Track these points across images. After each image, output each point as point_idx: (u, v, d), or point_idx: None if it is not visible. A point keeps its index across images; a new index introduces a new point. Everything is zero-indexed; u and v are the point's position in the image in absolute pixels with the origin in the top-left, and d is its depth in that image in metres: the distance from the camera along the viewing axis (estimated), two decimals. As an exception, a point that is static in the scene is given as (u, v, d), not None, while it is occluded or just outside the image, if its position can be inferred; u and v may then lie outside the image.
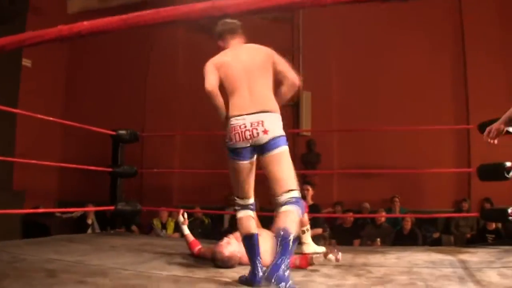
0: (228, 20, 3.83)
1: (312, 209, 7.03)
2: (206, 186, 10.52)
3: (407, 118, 9.69)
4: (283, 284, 2.92)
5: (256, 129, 3.35)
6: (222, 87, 3.54)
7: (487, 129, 3.47)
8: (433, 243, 8.58)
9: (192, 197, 10.71)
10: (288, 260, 3.05)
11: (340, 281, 3.42)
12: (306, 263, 4.06)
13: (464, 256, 4.61)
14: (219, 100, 3.48)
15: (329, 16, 9.99)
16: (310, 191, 7.19)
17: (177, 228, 9.68)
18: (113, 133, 6.97)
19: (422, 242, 8.45)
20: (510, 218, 5.48)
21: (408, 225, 8.65)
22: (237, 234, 4.28)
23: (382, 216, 9.00)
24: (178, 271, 3.74)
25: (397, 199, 9.86)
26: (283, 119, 3.49)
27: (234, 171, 3.48)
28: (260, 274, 3.34)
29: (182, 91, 11.50)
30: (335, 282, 3.41)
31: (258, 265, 3.43)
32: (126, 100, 12.06)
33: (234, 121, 3.39)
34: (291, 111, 10.36)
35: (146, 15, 2.09)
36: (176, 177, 11.59)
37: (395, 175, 9.55)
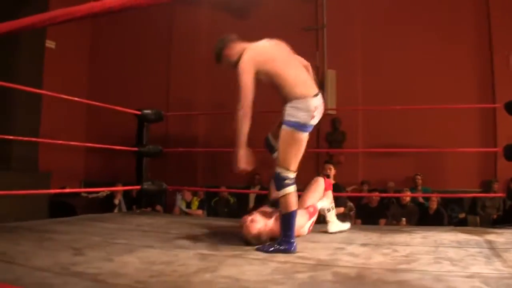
0: (223, 37, 4.05)
1: (334, 188, 7.01)
2: (231, 165, 10.54)
3: (433, 96, 9.60)
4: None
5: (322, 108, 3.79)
6: (273, 76, 3.77)
7: None
8: (459, 224, 8.54)
9: (217, 176, 10.74)
10: None
11: (366, 260, 3.40)
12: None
13: (490, 237, 4.56)
14: (249, 121, 3.69)
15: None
16: (333, 170, 7.23)
17: (201, 206, 9.77)
18: (138, 112, 6.98)
19: (447, 222, 8.41)
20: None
21: (433, 205, 8.61)
22: (263, 209, 4.32)
23: (408, 196, 8.96)
24: (204, 249, 3.75)
25: (419, 177, 9.83)
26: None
27: (300, 144, 3.74)
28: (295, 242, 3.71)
29: (205, 70, 11.49)
30: (361, 260, 3.39)
31: (293, 234, 3.74)
32: (150, 79, 12.09)
33: (314, 101, 3.72)
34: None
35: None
36: (201, 156, 11.62)
37: (420, 154, 9.51)
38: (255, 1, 10.79)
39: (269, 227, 3.97)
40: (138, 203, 7.27)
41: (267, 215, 4.11)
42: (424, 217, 8.53)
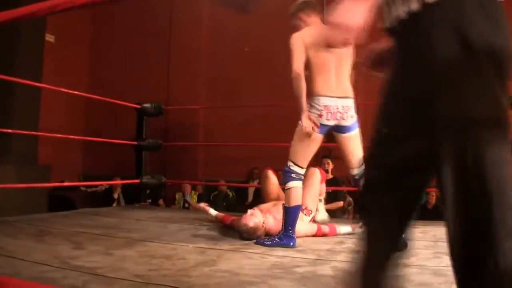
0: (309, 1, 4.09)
1: (332, 183, 7.05)
2: (230, 160, 10.53)
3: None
4: None
5: (346, 113, 3.78)
6: (306, 63, 3.82)
7: None
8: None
9: (216, 171, 10.73)
10: None
11: (366, 255, 3.41)
12: (334, 232, 4.31)
13: (489, 231, 4.57)
14: (303, 84, 3.73)
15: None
16: (330, 165, 7.26)
17: (200, 200, 9.76)
18: (138, 106, 6.98)
19: (446, 217, 8.41)
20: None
21: (432, 200, 8.61)
22: (262, 206, 4.34)
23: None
24: (203, 243, 3.76)
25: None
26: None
27: (308, 141, 3.79)
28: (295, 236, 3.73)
29: (206, 64, 11.48)
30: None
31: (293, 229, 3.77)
32: (150, 73, 12.05)
33: (325, 100, 3.75)
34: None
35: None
36: (200, 150, 11.62)
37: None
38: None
39: (267, 225, 4.00)
40: (137, 197, 7.25)
41: (267, 212, 4.13)
42: (423, 212, 8.52)
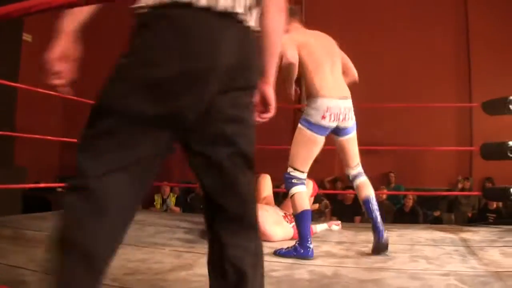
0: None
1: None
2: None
3: (409, 95, 9.63)
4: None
5: (348, 114, 3.75)
6: (300, 64, 3.77)
7: None
8: (434, 222, 8.59)
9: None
10: None
11: (342, 259, 3.42)
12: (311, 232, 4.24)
13: (465, 235, 4.61)
14: (295, 74, 3.75)
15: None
16: None
17: (178, 203, 9.71)
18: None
19: (423, 220, 8.47)
20: (512, 197, 5.47)
21: (409, 203, 8.66)
22: (265, 208, 4.35)
23: (383, 193, 9.00)
24: (180, 247, 3.75)
25: (392, 175, 9.93)
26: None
27: (310, 144, 3.73)
28: (312, 247, 3.56)
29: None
30: (336, 259, 3.41)
31: (310, 239, 3.58)
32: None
33: (328, 102, 3.67)
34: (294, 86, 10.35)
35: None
36: (177, 151, 11.57)
37: (397, 152, 9.55)
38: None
39: (264, 230, 3.97)
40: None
41: (266, 217, 4.13)
42: (400, 215, 8.58)
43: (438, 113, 9.79)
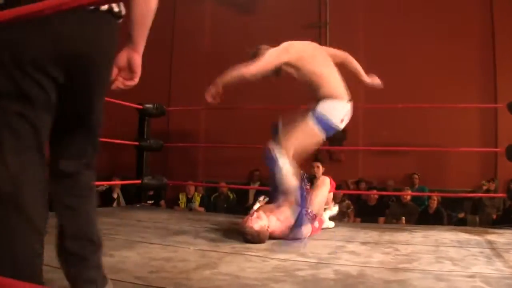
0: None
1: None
2: (231, 161, 10.52)
3: (434, 95, 9.56)
4: None
5: (348, 116, 3.82)
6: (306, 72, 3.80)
7: None
8: (458, 223, 8.52)
9: (217, 172, 10.72)
10: None
11: (367, 259, 3.40)
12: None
13: (490, 237, 4.56)
14: (236, 82, 3.82)
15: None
16: (320, 168, 7.19)
17: (203, 202, 9.74)
18: (140, 107, 6.97)
19: (447, 222, 8.40)
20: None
21: (433, 204, 8.60)
22: (265, 207, 4.33)
23: (407, 194, 8.95)
24: (204, 245, 3.75)
25: (416, 176, 9.86)
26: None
27: (310, 137, 3.77)
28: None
29: (208, 65, 11.45)
30: (362, 259, 3.39)
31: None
32: (152, 74, 12.01)
33: (347, 106, 3.77)
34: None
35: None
36: (201, 151, 11.61)
37: (421, 153, 9.49)
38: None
39: (271, 228, 3.97)
40: (138, 197, 7.22)
41: (270, 214, 4.11)
42: (424, 217, 8.52)
43: (463, 114, 9.71)
